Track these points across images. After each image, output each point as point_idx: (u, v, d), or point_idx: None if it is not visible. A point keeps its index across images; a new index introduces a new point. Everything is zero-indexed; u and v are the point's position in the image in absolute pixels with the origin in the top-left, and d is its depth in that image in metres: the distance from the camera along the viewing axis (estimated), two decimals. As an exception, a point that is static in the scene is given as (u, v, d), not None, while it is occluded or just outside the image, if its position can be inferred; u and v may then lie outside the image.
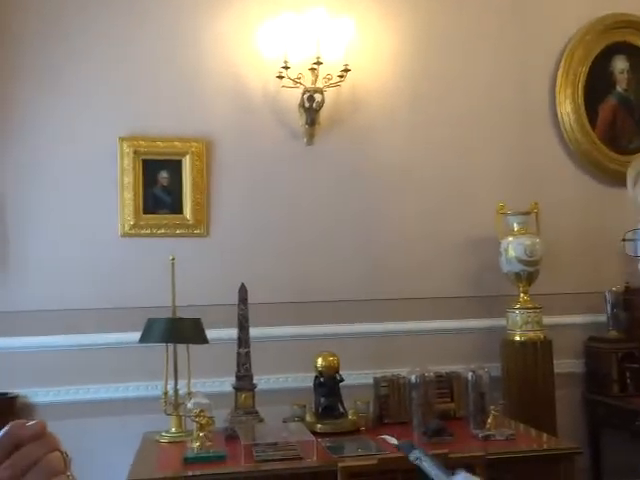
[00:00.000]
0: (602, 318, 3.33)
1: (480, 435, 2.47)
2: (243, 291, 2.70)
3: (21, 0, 2.97)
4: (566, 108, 3.40)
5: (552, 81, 3.42)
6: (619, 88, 3.50)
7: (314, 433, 2.48)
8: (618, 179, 3.44)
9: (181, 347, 2.65)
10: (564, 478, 2.30)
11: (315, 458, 2.27)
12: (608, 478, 3.25)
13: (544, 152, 3.40)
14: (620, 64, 3.51)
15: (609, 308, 3.33)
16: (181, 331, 2.62)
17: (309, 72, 3.06)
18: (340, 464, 2.10)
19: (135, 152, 2.99)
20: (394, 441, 2.43)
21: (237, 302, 2.67)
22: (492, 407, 2.54)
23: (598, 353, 3.28)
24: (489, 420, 2.51)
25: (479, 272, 3.29)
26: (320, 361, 2.72)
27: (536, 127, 3.40)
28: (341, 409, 2.71)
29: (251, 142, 3.14)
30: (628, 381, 3.16)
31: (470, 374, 2.65)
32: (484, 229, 3.24)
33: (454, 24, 3.34)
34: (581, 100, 3.41)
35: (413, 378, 2.69)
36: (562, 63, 3.41)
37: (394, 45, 3.27)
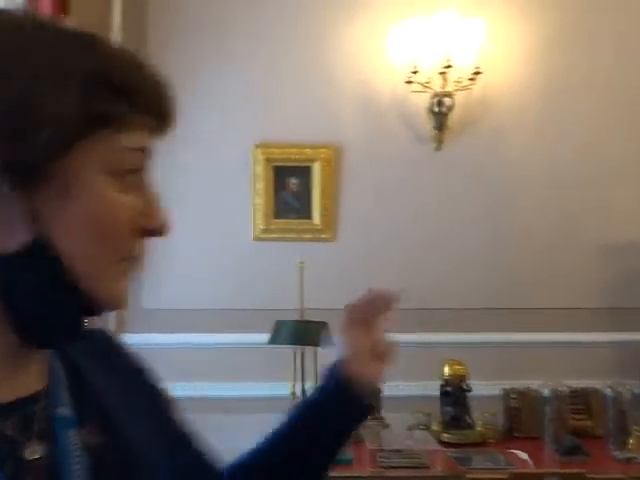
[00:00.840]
0: None
1: (620, 457, 2.31)
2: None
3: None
4: None
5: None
6: None
7: (440, 443, 2.44)
8: None
9: (307, 350, 2.69)
10: None
11: (442, 468, 2.23)
12: None
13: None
14: None
15: None
16: (309, 334, 2.66)
17: (439, 76, 3.02)
18: (468, 475, 2.05)
19: (267, 159, 3.09)
20: (525, 456, 2.34)
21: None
22: (635, 427, 2.37)
23: None
24: (631, 441, 2.35)
25: (620, 281, 3.09)
26: (447, 369, 2.67)
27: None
28: (468, 420, 2.64)
29: (379, 148, 3.14)
30: None
31: (608, 390, 2.50)
32: (626, 233, 3.04)
33: (583, 21, 3.17)
34: None
35: (546, 391, 2.58)
36: None
37: (524, 45, 3.16)
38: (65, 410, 0.64)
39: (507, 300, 3.08)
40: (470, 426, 2.61)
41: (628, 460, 2.29)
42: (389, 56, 3.13)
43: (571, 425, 2.51)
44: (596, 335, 3.04)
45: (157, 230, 0.64)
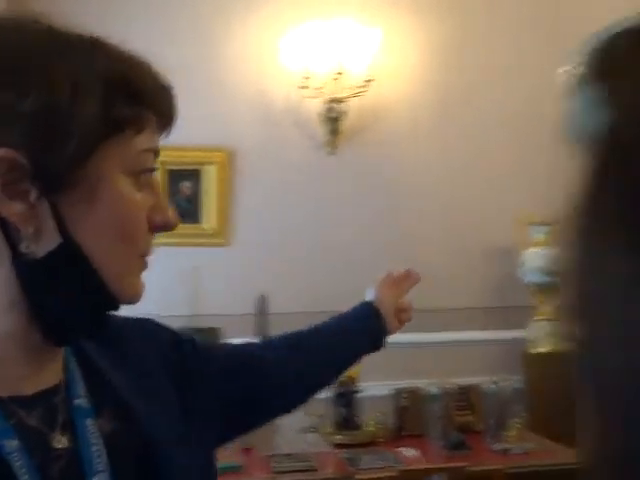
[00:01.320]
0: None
1: (498, 448, 2.44)
2: (262, 302, 2.71)
3: None
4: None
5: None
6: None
7: (332, 444, 2.48)
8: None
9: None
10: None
11: (332, 470, 2.26)
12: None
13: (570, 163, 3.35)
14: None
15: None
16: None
17: (332, 82, 3.07)
18: (357, 476, 2.10)
19: (160, 162, 3.02)
20: (413, 453, 2.42)
21: (255, 312, 2.69)
22: (514, 421, 2.50)
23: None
24: (509, 434, 2.48)
25: (500, 282, 3.25)
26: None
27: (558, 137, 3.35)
28: (358, 420, 2.70)
29: (273, 152, 3.15)
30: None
31: (491, 387, 2.62)
32: (506, 239, 3.21)
33: (481, 37, 3.32)
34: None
35: (434, 390, 2.67)
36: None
37: (419, 55, 3.27)
38: (82, 401, 0.67)
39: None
40: (361, 427, 2.66)
41: (505, 451, 2.42)
42: (283, 60, 3.14)
43: (456, 421, 2.62)
44: (480, 334, 3.19)
45: (167, 226, 0.68)
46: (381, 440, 2.63)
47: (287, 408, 1.00)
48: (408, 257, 3.20)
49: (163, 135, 0.68)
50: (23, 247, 0.59)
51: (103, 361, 0.72)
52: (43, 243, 0.59)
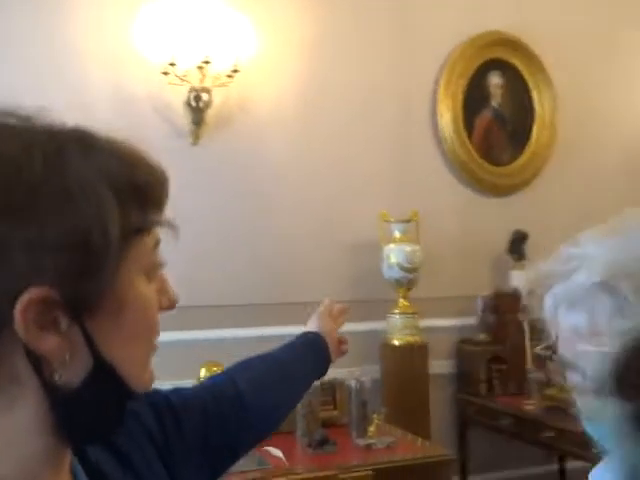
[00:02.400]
0: (473, 321, 3.52)
1: (362, 444, 2.52)
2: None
3: None
4: (446, 119, 3.53)
5: (433, 93, 3.53)
6: (494, 103, 3.68)
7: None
8: (492, 190, 3.64)
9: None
10: (438, 481, 2.41)
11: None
12: (474, 472, 3.45)
13: (425, 162, 3.52)
14: (495, 79, 3.69)
15: (479, 312, 3.53)
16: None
17: (197, 70, 2.95)
18: (224, 482, 2.07)
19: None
20: (279, 453, 2.43)
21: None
22: (374, 415, 2.60)
23: (468, 355, 3.46)
24: (371, 428, 2.57)
25: (362, 277, 3.35)
26: (204, 372, 2.65)
27: (418, 138, 3.51)
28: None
29: (132, 139, 2.97)
30: (494, 382, 3.36)
31: (353, 382, 2.70)
32: (368, 235, 3.30)
33: (344, 35, 3.35)
34: (459, 112, 3.55)
35: (297, 386, 2.70)
36: (443, 76, 3.52)
37: (288, 49, 3.24)
38: None
39: (263, 296, 3.16)
40: (226, 426, 2.63)
41: (368, 446, 2.51)
42: (144, 44, 2.97)
43: (321, 417, 2.67)
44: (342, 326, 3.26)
45: (172, 307, 0.67)
46: (246, 440, 2.62)
47: (259, 441, 1.01)
48: (276, 252, 3.21)
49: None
50: (56, 377, 0.55)
51: (107, 462, 0.70)
52: (75, 368, 0.56)
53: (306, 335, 1.19)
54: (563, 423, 2.84)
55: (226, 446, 0.90)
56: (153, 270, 0.64)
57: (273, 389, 1.02)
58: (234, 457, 0.94)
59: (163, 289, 0.66)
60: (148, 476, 0.74)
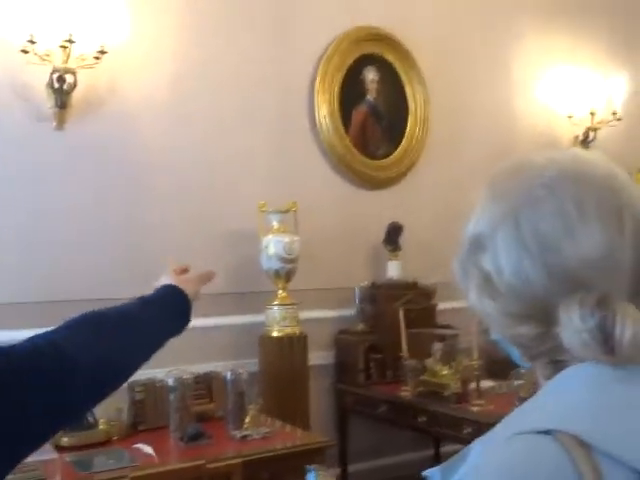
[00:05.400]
0: (352, 312, 3.55)
1: (238, 436, 2.46)
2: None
3: None
4: (323, 112, 3.54)
5: (311, 85, 3.53)
6: (369, 97, 3.74)
7: (58, 448, 2.27)
8: (368, 182, 3.70)
9: None
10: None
11: (59, 478, 2.06)
12: (354, 461, 3.48)
13: (304, 154, 3.51)
14: (371, 74, 3.75)
15: (357, 302, 3.56)
16: None
17: (60, 50, 2.77)
18: (89, 482, 1.94)
19: None
20: (149, 450, 2.32)
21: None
22: (250, 406, 2.54)
23: (346, 345, 3.49)
24: (247, 419, 2.51)
25: (240, 268, 3.29)
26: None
27: (296, 130, 3.50)
28: (90, 418, 2.50)
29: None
30: (372, 371, 3.40)
31: (229, 373, 2.63)
32: (246, 226, 3.24)
33: (220, 17, 3.28)
34: (336, 105, 3.58)
35: (170, 381, 2.59)
36: (320, 69, 3.54)
37: (162, 32, 3.12)
38: None
39: (136, 289, 3.01)
40: (92, 425, 2.48)
41: (244, 438, 2.45)
42: (0, 17, 2.76)
43: (195, 411, 2.58)
44: (217, 319, 3.16)
45: None
46: (116, 438, 2.48)
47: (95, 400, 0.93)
48: (148, 241, 3.07)
49: None
50: None
51: None
52: None
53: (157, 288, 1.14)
54: (435, 406, 2.92)
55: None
56: None
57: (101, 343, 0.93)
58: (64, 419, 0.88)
59: None
60: None
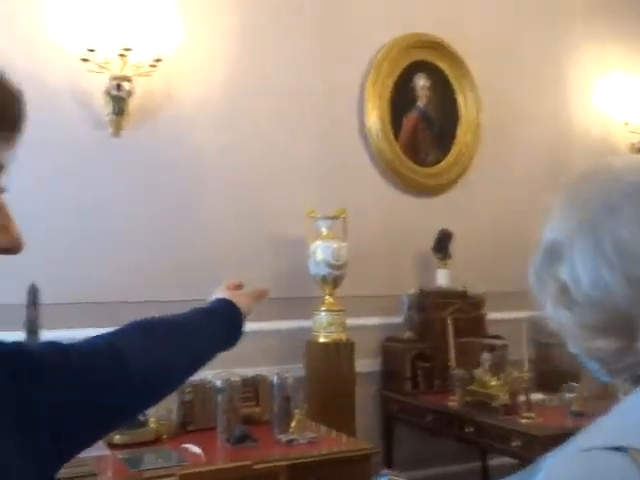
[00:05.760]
0: (399, 320, 3.54)
1: (283, 440, 2.47)
2: (33, 292, 2.44)
3: None
4: (373, 118, 3.55)
5: (361, 91, 3.54)
6: (420, 104, 3.73)
7: (111, 445, 2.33)
8: (418, 189, 3.68)
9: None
10: (362, 477, 2.38)
11: (110, 474, 2.12)
12: (399, 469, 3.44)
13: (353, 160, 3.53)
14: (421, 81, 3.74)
15: (405, 310, 3.54)
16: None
17: (118, 58, 2.86)
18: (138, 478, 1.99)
19: None
20: (197, 450, 2.36)
21: (26, 303, 2.42)
22: (296, 410, 2.56)
23: (393, 353, 3.47)
24: (293, 424, 2.53)
25: (288, 273, 3.31)
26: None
27: (346, 135, 3.51)
28: (141, 417, 2.56)
29: (49, 130, 2.84)
30: (419, 379, 3.38)
31: (275, 377, 2.65)
32: (294, 231, 3.27)
33: (270, 27, 3.33)
34: (386, 112, 3.58)
35: (219, 382, 2.63)
36: (370, 75, 3.55)
37: (214, 39, 3.19)
38: None
39: (184, 292, 3.07)
40: (143, 424, 2.54)
41: (290, 442, 2.47)
42: (60, 30, 2.86)
43: (242, 414, 2.61)
44: (266, 324, 3.19)
45: (13, 248, 0.62)
46: (165, 437, 2.53)
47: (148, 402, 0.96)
48: (200, 247, 3.12)
49: (12, 147, 0.61)
50: None
51: None
52: None
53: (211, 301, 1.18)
54: (483, 417, 2.88)
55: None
56: None
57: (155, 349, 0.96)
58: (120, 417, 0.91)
59: (3, 226, 0.61)
60: None
